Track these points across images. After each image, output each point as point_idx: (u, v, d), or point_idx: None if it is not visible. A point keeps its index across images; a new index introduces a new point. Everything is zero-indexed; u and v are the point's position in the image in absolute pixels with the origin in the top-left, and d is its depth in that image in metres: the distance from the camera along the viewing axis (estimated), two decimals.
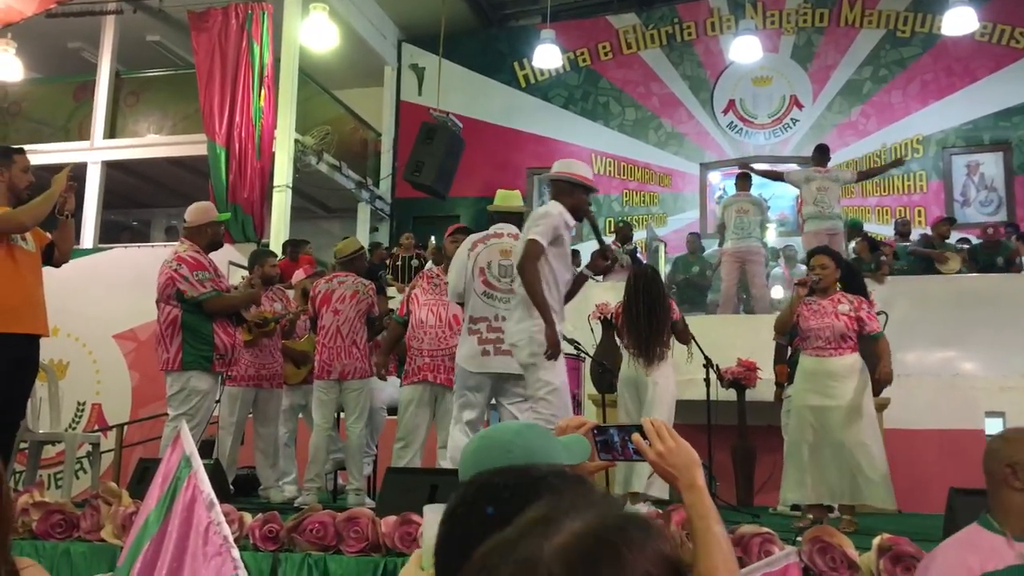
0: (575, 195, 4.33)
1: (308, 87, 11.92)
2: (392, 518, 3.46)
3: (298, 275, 5.84)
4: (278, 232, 10.55)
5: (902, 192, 12.44)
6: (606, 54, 13.76)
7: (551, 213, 4.18)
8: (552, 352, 4.04)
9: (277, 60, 10.91)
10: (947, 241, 9.80)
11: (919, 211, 12.11)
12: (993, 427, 7.57)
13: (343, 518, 3.49)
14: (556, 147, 13.63)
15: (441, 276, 5.13)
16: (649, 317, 5.20)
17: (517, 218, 4.72)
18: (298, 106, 11.13)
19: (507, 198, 4.94)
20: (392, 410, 6.25)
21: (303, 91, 11.43)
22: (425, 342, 4.96)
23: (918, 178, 12.46)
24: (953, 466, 6.82)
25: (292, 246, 9.66)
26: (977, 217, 12.16)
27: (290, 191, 10.84)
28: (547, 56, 12.18)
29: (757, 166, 9.92)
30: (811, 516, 4.79)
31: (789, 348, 6.06)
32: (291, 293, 6.49)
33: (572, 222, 4.26)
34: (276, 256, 6.34)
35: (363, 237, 12.92)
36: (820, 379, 4.82)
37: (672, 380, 5.27)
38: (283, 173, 10.78)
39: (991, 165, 12.33)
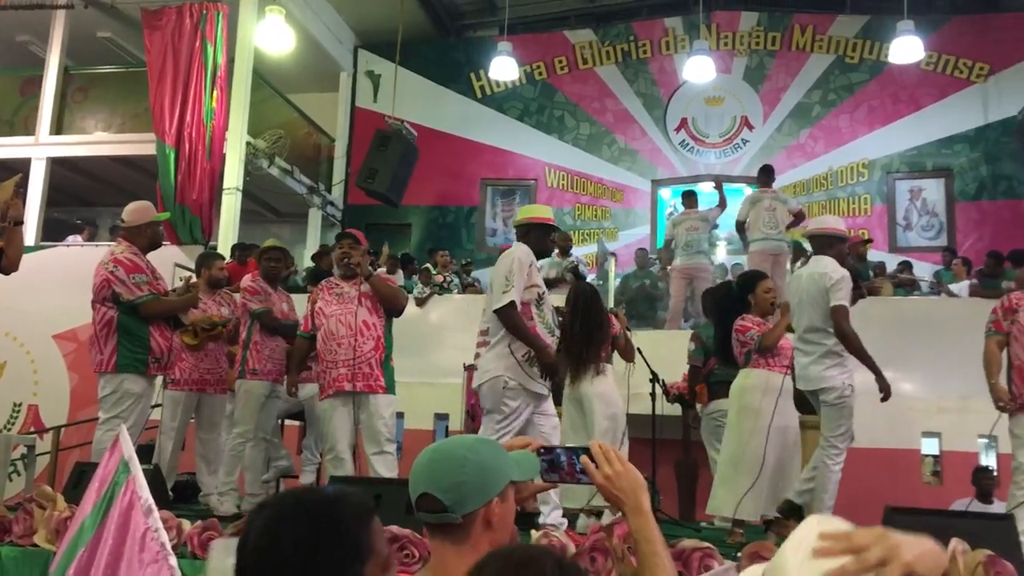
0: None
1: (262, 90, 11.82)
2: None
3: (246, 279, 5.76)
4: (226, 235, 10.42)
5: (847, 214, 12.70)
6: (562, 68, 13.87)
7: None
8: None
9: (231, 61, 10.80)
10: (865, 261, 9.77)
11: (863, 233, 12.37)
12: (929, 447, 7.76)
13: None
14: (510, 159, 13.70)
15: (342, 285, 5.09)
16: (584, 332, 5.24)
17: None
18: (251, 108, 11.02)
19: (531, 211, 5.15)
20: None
21: (256, 94, 11.32)
22: (339, 353, 4.89)
23: (863, 201, 12.75)
24: (889, 484, 6.99)
25: (240, 250, 9.55)
26: (919, 241, 12.49)
27: (240, 194, 10.72)
28: (504, 68, 12.24)
29: (708, 185, 10.05)
30: (741, 531, 4.84)
31: (702, 368, 6.18)
32: (238, 296, 6.40)
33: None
34: (223, 259, 6.25)
35: (314, 243, 12.82)
36: (786, 396, 4.92)
37: (613, 394, 5.25)
38: (233, 175, 10.65)
39: (933, 191, 12.68)
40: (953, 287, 9.82)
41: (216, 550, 1.85)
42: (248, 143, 11.03)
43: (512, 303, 4.51)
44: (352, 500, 1.32)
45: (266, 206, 13.35)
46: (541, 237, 4.84)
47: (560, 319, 5.24)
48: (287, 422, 6.49)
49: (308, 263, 11.35)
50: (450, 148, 13.62)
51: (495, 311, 4.56)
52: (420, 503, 1.59)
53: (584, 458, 1.67)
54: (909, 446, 7.68)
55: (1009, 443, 4.88)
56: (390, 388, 4.97)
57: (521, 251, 4.69)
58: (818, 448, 4.96)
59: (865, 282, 9.37)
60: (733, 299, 5.29)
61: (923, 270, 11.42)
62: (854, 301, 5.19)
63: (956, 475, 7.13)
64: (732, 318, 5.12)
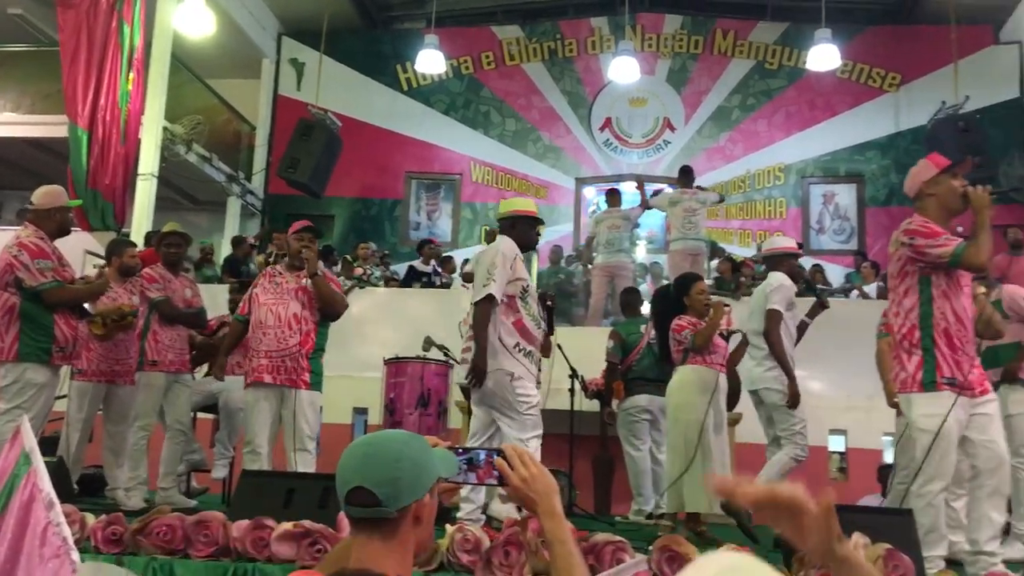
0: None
1: (180, 74, 11.52)
2: (244, 522, 3.38)
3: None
4: (140, 222, 10.13)
5: (763, 217, 13.04)
6: (489, 63, 13.87)
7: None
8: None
9: (148, 44, 10.48)
10: None
11: (778, 235, 12.70)
12: (836, 444, 8.02)
13: (192, 521, 3.39)
14: (436, 152, 13.66)
15: (284, 275, 5.02)
16: None
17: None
18: (169, 93, 10.73)
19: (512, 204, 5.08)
20: None
21: (175, 78, 11.03)
22: (264, 343, 4.83)
23: (778, 204, 13.09)
24: (798, 480, 7.19)
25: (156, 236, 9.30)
26: (831, 244, 12.88)
27: (155, 180, 10.44)
28: (430, 61, 12.18)
29: (631, 185, 10.20)
30: (671, 523, 4.95)
31: (620, 365, 6.28)
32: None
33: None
34: (135, 246, 6.08)
35: (233, 231, 12.57)
36: (721, 392, 5.13)
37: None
38: (149, 161, 10.36)
39: (845, 196, 13.09)
40: (866, 288, 10.16)
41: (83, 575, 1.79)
42: (165, 128, 10.74)
43: (490, 296, 4.48)
44: None
45: (183, 193, 13.03)
46: (527, 230, 4.83)
47: None
48: (199, 415, 6.36)
49: (227, 251, 11.11)
50: (375, 140, 13.50)
51: (474, 302, 4.54)
52: (352, 497, 1.58)
53: (499, 460, 1.68)
54: (817, 443, 7.91)
55: None
56: (315, 384, 4.91)
57: (506, 244, 4.67)
58: (783, 449, 5.18)
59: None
60: (671, 301, 5.47)
61: (835, 272, 11.79)
62: (814, 314, 5.57)
63: (861, 471, 7.39)
64: (669, 319, 5.30)
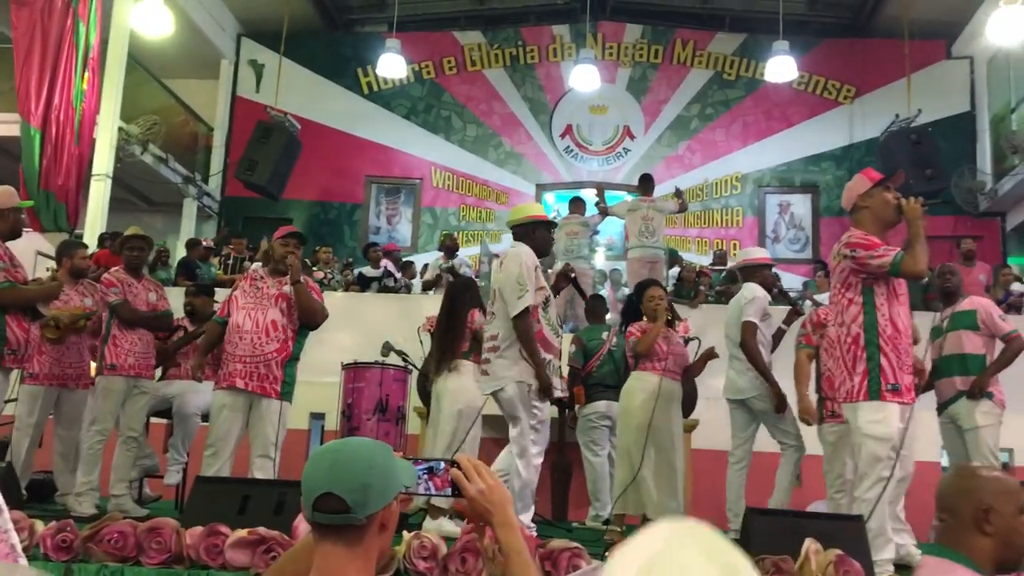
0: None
1: (137, 73, 11.36)
2: (198, 529, 3.33)
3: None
4: (94, 223, 9.97)
5: (720, 225, 13.19)
6: (451, 68, 13.87)
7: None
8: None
9: (105, 43, 10.33)
10: None
11: (735, 244, 12.85)
12: None
13: (145, 528, 3.33)
14: (396, 156, 13.62)
15: (266, 280, 4.98)
16: (446, 326, 5.23)
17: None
18: (125, 92, 10.58)
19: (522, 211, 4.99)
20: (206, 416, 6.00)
21: (131, 77, 10.87)
22: (240, 347, 4.77)
23: (735, 213, 13.25)
24: (753, 487, 7.26)
25: (112, 238, 9.15)
26: (786, 253, 13.06)
27: (110, 181, 10.28)
28: (391, 65, 12.16)
29: (591, 192, 10.24)
30: (620, 529, 4.98)
31: (582, 371, 6.33)
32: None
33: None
34: (86, 248, 5.97)
35: (189, 233, 12.41)
36: (673, 400, 5.18)
37: (462, 390, 5.07)
38: (103, 161, 10.21)
39: (800, 205, 13.29)
40: (818, 297, 10.31)
41: None
42: (120, 128, 10.58)
43: (527, 309, 4.45)
44: None
45: (138, 194, 12.84)
46: (545, 235, 4.80)
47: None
48: (153, 419, 6.26)
49: (182, 253, 10.96)
50: (334, 143, 13.43)
51: (514, 318, 4.48)
52: (320, 503, 1.57)
53: (455, 471, 1.69)
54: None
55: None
56: (286, 395, 4.85)
57: (525, 253, 4.60)
58: (785, 454, 5.32)
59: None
60: (633, 307, 5.52)
61: (790, 281, 11.94)
62: (790, 321, 5.69)
63: (814, 478, 7.47)
64: (628, 325, 5.41)
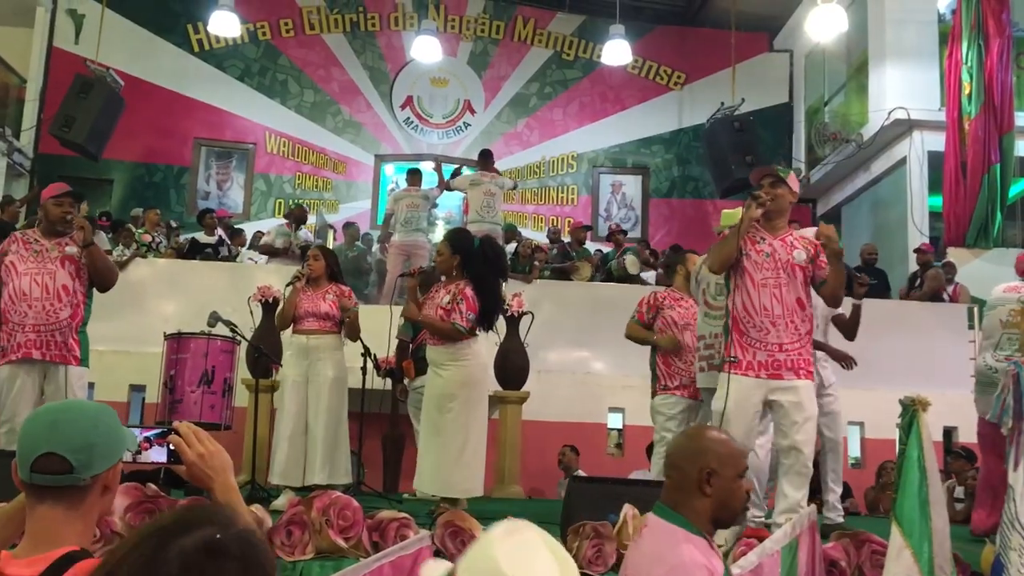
0: None
1: None
2: None
3: None
4: None
5: (556, 203, 13.50)
6: (288, 31, 13.45)
7: None
8: None
9: None
10: (584, 246, 10.81)
11: (568, 221, 13.17)
12: (614, 421, 8.47)
13: None
14: (228, 119, 13.11)
15: (43, 242, 4.68)
16: None
17: None
18: None
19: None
20: None
21: None
22: (29, 316, 4.50)
23: (570, 191, 13.59)
24: (578, 455, 7.54)
25: None
26: None
27: None
28: (224, 23, 11.65)
29: (430, 165, 10.25)
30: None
31: (411, 344, 6.34)
32: None
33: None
34: None
35: None
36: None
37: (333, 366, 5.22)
38: None
39: (632, 186, 13.78)
40: (644, 276, 10.75)
41: None
42: None
43: None
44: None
45: None
46: None
47: None
48: None
49: None
50: (161, 102, 12.75)
51: None
52: (40, 464, 1.52)
53: (174, 437, 1.68)
54: (597, 420, 8.34)
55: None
56: (84, 360, 4.64)
57: None
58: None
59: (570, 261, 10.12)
60: None
61: None
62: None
63: (636, 447, 7.84)
64: None
